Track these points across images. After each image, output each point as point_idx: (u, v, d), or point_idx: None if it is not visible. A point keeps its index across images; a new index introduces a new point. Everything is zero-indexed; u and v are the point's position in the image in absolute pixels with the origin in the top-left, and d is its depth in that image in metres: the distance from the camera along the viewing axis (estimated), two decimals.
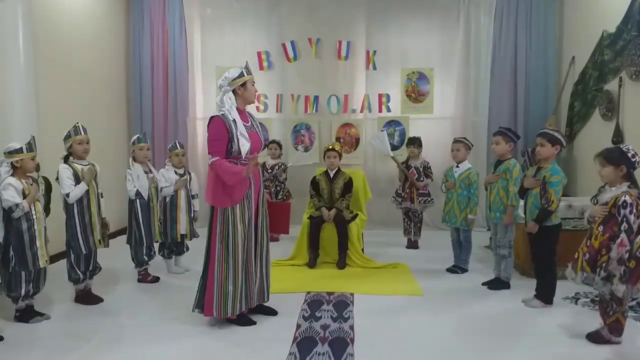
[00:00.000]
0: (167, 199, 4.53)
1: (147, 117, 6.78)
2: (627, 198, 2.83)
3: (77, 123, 3.77)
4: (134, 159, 4.29)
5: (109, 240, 3.95)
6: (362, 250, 5.02)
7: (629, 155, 2.89)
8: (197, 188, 4.88)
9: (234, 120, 3.25)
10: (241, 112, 3.37)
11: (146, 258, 4.32)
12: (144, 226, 4.24)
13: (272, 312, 3.56)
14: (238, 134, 3.24)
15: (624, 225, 2.81)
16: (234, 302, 3.27)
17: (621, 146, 2.98)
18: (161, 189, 4.44)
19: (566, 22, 6.45)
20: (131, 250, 4.32)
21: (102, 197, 3.87)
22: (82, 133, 3.73)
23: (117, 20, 6.59)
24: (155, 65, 6.74)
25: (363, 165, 6.58)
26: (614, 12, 5.10)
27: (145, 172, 4.29)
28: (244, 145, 3.25)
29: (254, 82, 3.44)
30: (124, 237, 4.43)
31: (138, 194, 4.21)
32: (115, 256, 4.58)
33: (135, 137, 4.39)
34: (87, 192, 3.70)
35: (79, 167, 3.70)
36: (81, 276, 3.76)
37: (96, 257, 3.90)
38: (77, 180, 3.65)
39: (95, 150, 3.85)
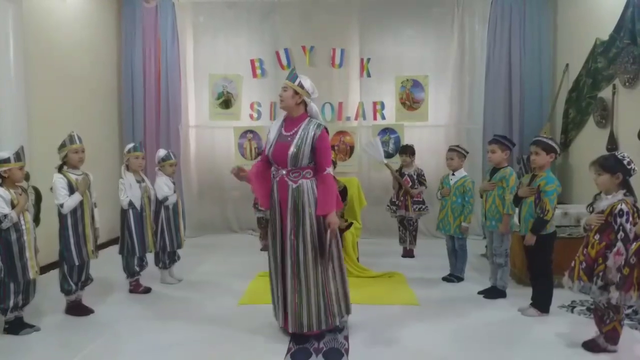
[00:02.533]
0: (170, 207, 4.49)
1: (139, 125, 6.74)
2: (624, 206, 2.82)
3: (72, 132, 3.73)
4: (127, 168, 4.25)
5: (98, 251, 3.90)
6: (357, 259, 4.98)
7: (625, 162, 2.88)
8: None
9: (279, 127, 3.25)
10: (288, 119, 3.26)
11: (138, 269, 4.26)
12: (137, 236, 4.19)
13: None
14: (270, 139, 3.26)
15: (621, 234, 2.80)
16: (275, 312, 3.34)
17: (616, 154, 2.98)
18: (166, 197, 4.42)
19: (560, 30, 6.48)
20: (123, 260, 4.26)
21: (95, 207, 3.83)
22: (78, 142, 3.69)
23: (109, 28, 6.56)
24: (148, 73, 6.71)
25: (358, 173, 6.55)
26: (607, 20, 5.13)
27: (138, 182, 4.25)
28: (268, 151, 3.26)
29: (283, 87, 3.23)
30: (116, 247, 4.37)
31: (131, 203, 4.16)
32: (106, 266, 4.52)
33: (130, 145, 4.35)
34: (81, 202, 3.65)
35: (73, 176, 3.65)
36: (73, 287, 3.71)
37: (88, 268, 3.84)
38: (72, 190, 3.61)
39: (87, 159, 3.81)
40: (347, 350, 3.08)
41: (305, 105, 3.22)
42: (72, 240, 3.62)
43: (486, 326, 3.51)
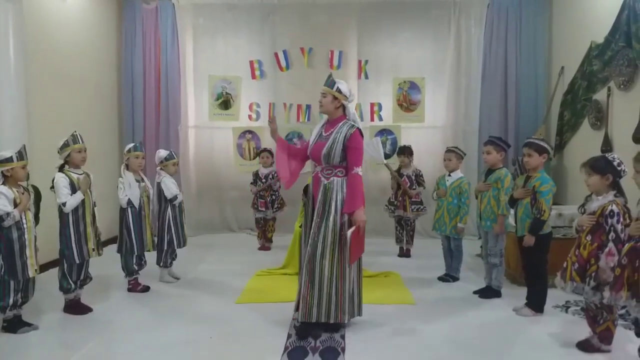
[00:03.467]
0: (177, 206, 4.55)
1: (138, 125, 6.77)
2: (614, 207, 2.85)
3: (75, 131, 3.77)
4: (127, 167, 4.28)
5: (102, 249, 3.93)
6: None
7: (615, 164, 2.91)
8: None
9: (320, 128, 3.47)
10: (329, 122, 3.43)
11: (136, 267, 4.29)
12: (135, 235, 4.22)
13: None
14: (312, 139, 3.47)
15: (612, 235, 2.83)
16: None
17: (607, 155, 3.01)
18: (176, 196, 4.49)
19: (555, 33, 6.53)
20: (121, 259, 4.29)
21: (95, 206, 3.86)
22: (81, 141, 3.74)
23: (110, 29, 6.60)
24: (148, 73, 6.75)
25: None
26: (602, 23, 5.17)
27: (137, 181, 4.29)
28: (309, 150, 3.46)
29: (322, 94, 3.38)
30: (114, 246, 4.40)
31: (129, 202, 4.19)
32: (105, 265, 4.54)
33: (130, 145, 4.39)
34: (82, 201, 3.68)
35: (75, 176, 3.69)
36: (73, 286, 3.73)
37: (88, 267, 3.87)
38: (74, 189, 3.64)
39: (87, 159, 3.84)
40: (343, 349, 3.11)
41: (344, 108, 3.39)
42: (73, 239, 3.65)
43: (481, 325, 3.55)
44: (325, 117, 3.50)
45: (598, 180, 2.93)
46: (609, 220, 2.84)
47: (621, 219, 2.83)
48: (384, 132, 6.73)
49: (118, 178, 4.27)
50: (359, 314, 3.48)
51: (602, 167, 2.93)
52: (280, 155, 3.59)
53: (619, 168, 2.91)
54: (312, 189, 3.41)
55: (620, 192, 2.92)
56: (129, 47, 6.75)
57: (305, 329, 3.30)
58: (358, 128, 3.33)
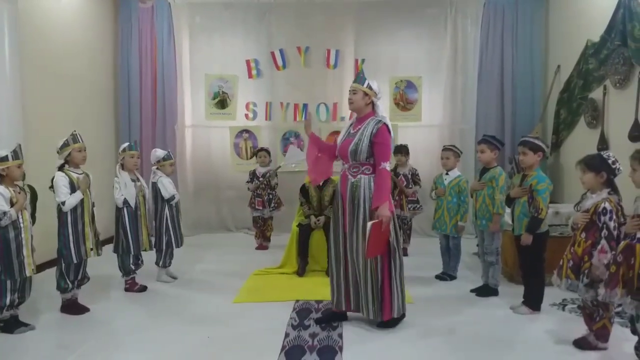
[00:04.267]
0: (174, 206, 4.55)
1: (135, 124, 6.76)
2: (607, 205, 2.87)
3: (75, 131, 3.78)
4: (122, 167, 4.27)
5: (101, 249, 3.93)
6: None
7: (610, 162, 2.92)
8: None
9: (349, 126, 3.48)
10: (358, 119, 3.43)
11: (133, 267, 4.29)
12: (131, 235, 4.22)
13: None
14: (341, 136, 3.49)
15: (604, 232, 2.85)
16: (332, 299, 3.51)
17: (602, 153, 3.03)
18: (173, 196, 4.50)
19: (551, 32, 6.55)
20: (118, 259, 4.28)
21: (94, 206, 3.86)
22: (81, 141, 3.75)
23: (106, 28, 6.58)
24: (144, 73, 6.73)
25: None
26: (598, 22, 5.19)
27: (133, 180, 4.28)
28: (337, 148, 3.46)
29: (352, 90, 3.39)
30: (111, 246, 4.39)
31: (125, 202, 4.19)
32: (102, 265, 4.53)
33: (125, 144, 4.38)
34: (81, 201, 3.68)
35: (74, 175, 3.69)
36: (70, 285, 3.73)
37: (86, 267, 3.86)
38: (73, 188, 3.64)
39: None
40: (341, 348, 3.11)
41: (373, 105, 3.38)
42: (71, 239, 3.64)
43: (478, 324, 3.55)
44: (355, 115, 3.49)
45: (592, 177, 2.94)
46: (602, 218, 2.86)
47: (614, 217, 2.84)
48: None
49: (114, 178, 4.26)
50: (400, 312, 3.41)
51: (596, 164, 2.94)
52: (310, 152, 3.62)
53: (613, 166, 2.92)
54: (340, 188, 3.41)
55: (614, 190, 2.93)
56: (125, 46, 6.73)
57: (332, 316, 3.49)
58: (385, 124, 3.29)
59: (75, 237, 3.66)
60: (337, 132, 6.74)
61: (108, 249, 4.53)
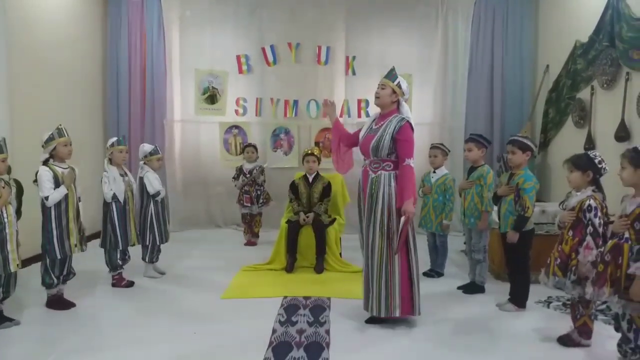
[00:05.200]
0: (159, 202, 4.51)
1: (123, 119, 6.69)
2: (592, 202, 2.91)
3: (60, 125, 3.73)
4: (110, 162, 4.24)
5: (86, 244, 3.90)
6: (340, 254, 5.03)
7: (596, 161, 2.97)
8: None
9: (371, 121, 3.51)
10: (381, 115, 3.46)
11: (120, 262, 4.26)
12: (120, 230, 4.20)
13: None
14: (363, 131, 3.51)
15: (590, 229, 2.89)
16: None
17: (589, 153, 3.07)
18: (158, 192, 4.46)
19: (541, 31, 6.59)
20: (105, 254, 4.25)
21: (80, 201, 3.82)
22: (66, 135, 3.71)
23: (94, 21, 6.50)
24: (133, 66, 6.66)
25: None
26: (587, 23, 5.23)
27: (121, 175, 4.25)
28: (359, 142, 3.50)
29: (381, 85, 3.43)
30: (97, 241, 4.36)
31: (114, 197, 4.16)
32: (88, 260, 4.50)
33: (114, 139, 4.34)
34: (66, 196, 3.64)
35: (59, 170, 3.64)
36: (55, 281, 3.70)
37: (71, 262, 3.83)
38: (57, 183, 3.60)
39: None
40: (328, 344, 3.12)
41: (398, 104, 3.40)
42: (55, 234, 3.60)
43: (465, 321, 3.58)
44: (377, 110, 3.51)
45: (579, 176, 2.99)
46: (587, 215, 2.90)
47: (599, 213, 2.89)
48: None
49: (102, 172, 4.23)
50: (414, 312, 3.39)
51: (583, 164, 2.99)
52: (334, 140, 3.68)
53: (599, 166, 2.97)
54: (362, 183, 3.45)
55: (599, 188, 2.98)
56: (114, 39, 6.66)
57: (372, 318, 3.45)
58: (408, 121, 3.32)
59: (59, 232, 3.62)
60: (327, 129, 6.78)
61: (95, 244, 4.51)
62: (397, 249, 3.27)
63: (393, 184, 3.30)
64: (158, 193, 4.46)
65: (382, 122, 3.38)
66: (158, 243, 4.52)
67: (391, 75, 3.43)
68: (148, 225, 4.45)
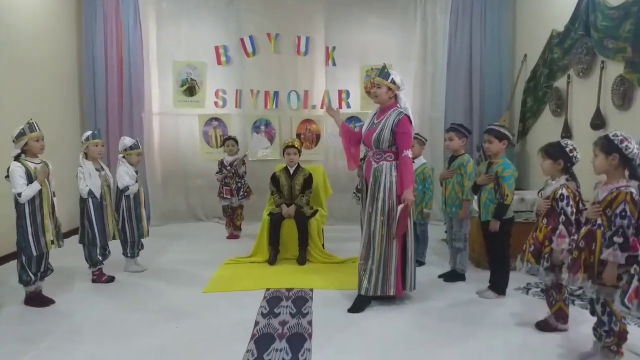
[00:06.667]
0: (132, 197, 4.44)
1: (101, 112, 6.58)
2: (564, 191, 2.97)
3: (31, 120, 3.64)
4: (86, 156, 4.17)
5: (63, 241, 3.83)
6: (323, 246, 5.04)
7: (567, 150, 3.03)
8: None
9: (373, 116, 3.73)
10: (381, 110, 3.67)
11: (100, 258, 4.21)
12: (98, 226, 4.14)
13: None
14: (365, 125, 3.75)
15: (562, 217, 2.95)
16: None
17: (561, 142, 3.12)
18: (127, 187, 4.37)
19: (519, 21, 6.64)
20: (84, 250, 4.20)
21: (54, 196, 3.75)
22: (38, 130, 3.63)
23: (70, 12, 6.35)
24: (110, 59, 6.54)
25: (324, 162, 6.60)
26: (563, 12, 5.29)
27: (97, 170, 4.19)
28: (363, 136, 3.73)
29: (377, 85, 3.63)
30: (76, 237, 4.30)
31: (91, 192, 4.10)
32: (68, 256, 4.45)
33: (89, 133, 4.27)
34: (40, 191, 3.57)
35: (32, 165, 3.57)
36: (32, 278, 3.64)
37: (48, 259, 3.77)
38: (30, 179, 3.52)
39: (47, 148, 3.73)
40: (310, 335, 3.13)
41: (396, 97, 3.64)
42: (30, 231, 3.54)
43: (446, 308, 3.63)
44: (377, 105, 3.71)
45: (551, 165, 3.06)
46: (560, 204, 2.96)
47: (571, 202, 2.94)
48: (352, 119, 6.73)
49: (78, 168, 4.16)
50: (412, 287, 3.71)
51: (555, 152, 3.05)
52: (345, 140, 3.88)
53: (571, 154, 3.02)
54: (365, 173, 3.71)
55: (572, 177, 3.04)
56: (89, 31, 6.52)
57: (360, 302, 3.59)
58: (407, 115, 3.55)
59: (35, 229, 3.55)
60: (309, 121, 6.77)
61: (74, 240, 4.45)
62: (395, 234, 3.52)
63: (394, 173, 3.56)
64: (127, 188, 4.39)
65: (382, 117, 3.61)
66: (130, 240, 4.46)
67: (384, 73, 3.63)
68: (121, 221, 4.41)
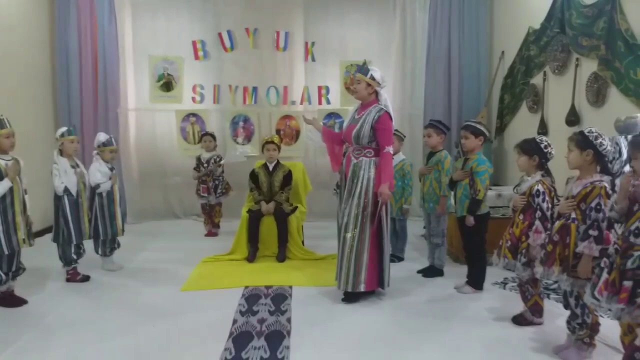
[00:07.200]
0: (104, 194, 4.35)
1: (75, 108, 6.44)
2: (540, 187, 3.01)
3: (1, 115, 3.54)
4: (61, 153, 4.07)
5: (34, 239, 3.74)
6: (302, 242, 5.03)
7: (542, 146, 3.07)
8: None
9: (354, 112, 3.75)
10: (362, 106, 3.69)
11: (75, 256, 4.12)
12: (73, 223, 4.05)
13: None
14: (346, 121, 3.80)
15: (538, 213, 2.99)
16: None
17: (536, 138, 3.16)
18: (98, 184, 4.28)
19: (496, 18, 6.71)
20: (58, 248, 4.11)
21: (26, 193, 3.65)
22: (8, 126, 3.53)
23: (41, 4, 6.18)
24: (84, 53, 6.40)
25: (304, 158, 6.57)
26: (539, 10, 5.36)
27: (73, 167, 4.10)
28: (343, 131, 3.78)
29: (356, 81, 3.66)
30: (50, 235, 4.20)
31: (66, 189, 4.01)
32: (41, 255, 4.35)
33: (63, 129, 4.17)
34: (11, 189, 3.46)
35: (2, 162, 3.47)
36: (3, 277, 3.53)
37: (19, 257, 3.67)
38: (0, 176, 3.42)
39: (19, 144, 3.63)
40: (289, 332, 3.12)
41: (377, 93, 3.64)
42: (0, 229, 3.43)
43: (425, 303, 3.66)
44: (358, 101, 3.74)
45: (526, 160, 3.10)
46: (536, 200, 3.00)
47: (547, 198, 2.99)
48: (331, 115, 6.73)
49: (52, 164, 4.06)
50: (382, 286, 3.70)
51: (530, 148, 3.09)
52: (327, 144, 3.92)
53: (545, 150, 3.06)
54: (344, 167, 3.73)
55: (547, 172, 3.08)
56: (62, 24, 6.35)
57: (349, 296, 3.63)
58: (387, 111, 3.58)
59: (6, 227, 3.45)
60: (288, 117, 6.73)
61: (46, 238, 4.35)
62: (371, 224, 3.54)
63: (373, 169, 3.58)
64: (98, 186, 4.30)
65: (363, 112, 3.63)
66: (102, 237, 4.37)
67: (363, 69, 3.65)
68: (93, 218, 4.32)
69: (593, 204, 2.51)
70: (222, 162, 5.82)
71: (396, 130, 4.82)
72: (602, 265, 2.30)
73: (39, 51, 6.16)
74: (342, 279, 3.58)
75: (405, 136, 4.93)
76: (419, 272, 4.34)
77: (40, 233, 5.14)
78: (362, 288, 3.57)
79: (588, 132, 2.61)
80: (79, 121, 6.33)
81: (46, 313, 3.47)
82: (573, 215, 2.61)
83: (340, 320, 3.34)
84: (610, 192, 2.50)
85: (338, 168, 3.89)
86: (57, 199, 4.04)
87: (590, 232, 2.49)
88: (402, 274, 4.30)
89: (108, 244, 4.45)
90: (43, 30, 6.24)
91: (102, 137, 4.46)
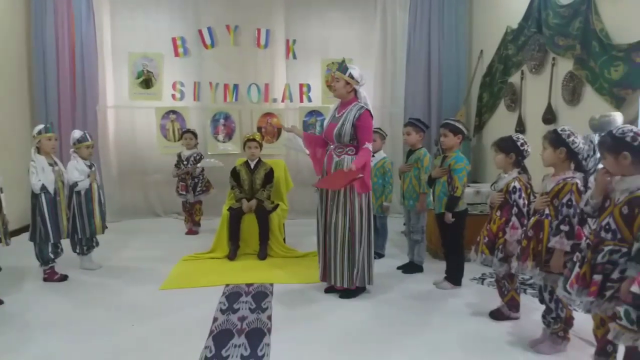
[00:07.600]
0: (82, 193, 4.29)
1: (52, 105, 6.34)
2: (516, 184, 3.07)
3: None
4: (38, 151, 4.01)
5: (10, 239, 3.68)
6: (284, 240, 5.03)
7: (519, 144, 3.13)
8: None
9: (334, 110, 3.76)
10: (342, 104, 3.71)
11: (52, 256, 4.07)
12: (50, 222, 3.99)
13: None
14: (327, 120, 3.83)
15: (514, 209, 3.05)
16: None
17: (513, 136, 3.22)
18: (76, 182, 4.22)
19: (475, 18, 6.79)
20: (35, 247, 4.04)
21: (1, 192, 3.59)
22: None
23: (16, 1, 6.06)
24: (61, 50, 6.30)
25: (285, 156, 6.57)
26: (517, 9, 5.44)
27: (50, 165, 4.04)
28: (324, 130, 3.80)
29: (335, 79, 3.67)
30: (26, 235, 4.13)
31: (43, 187, 3.95)
32: (17, 255, 4.28)
33: (41, 126, 4.11)
34: None
35: None
36: None
37: None
38: None
39: None
40: (269, 330, 3.13)
41: (356, 92, 3.66)
42: None
43: (404, 299, 3.70)
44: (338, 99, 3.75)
45: (503, 158, 3.15)
46: (512, 196, 3.06)
47: (523, 194, 3.05)
48: (313, 113, 6.74)
49: (30, 162, 4.00)
50: (370, 282, 3.71)
51: (507, 146, 3.14)
52: (309, 148, 3.91)
53: (521, 148, 3.12)
54: (326, 166, 3.72)
55: (523, 169, 3.14)
56: (38, 20, 6.24)
57: (348, 293, 3.68)
58: (367, 109, 3.60)
59: None
60: (269, 114, 6.72)
61: (23, 237, 4.28)
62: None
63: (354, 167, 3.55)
64: (76, 184, 4.24)
65: (343, 111, 3.65)
66: (79, 236, 4.32)
67: (342, 67, 3.65)
68: (71, 216, 4.26)
69: (565, 200, 2.57)
70: (198, 164, 5.76)
71: (378, 128, 4.88)
72: (575, 259, 2.35)
73: (14, 48, 6.04)
74: (337, 276, 3.62)
75: (386, 134, 4.96)
76: (398, 268, 4.38)
77: (16, 232, 5.06)
78: (360, 283, 3.65)
79: (561, 131, 2.68)
80: (56, 119, 6.23)
81: (23, 313, 3.42)
82: (547, 211, 2.67)
83: (321, 317, 3.36)
84: (582, 188, 2.56)
85: (320, 173, 3.88)
86: (34, 197, 3.98)
87: (562, 227, 2.56)
88: (382, 271, 4.33)
89: (85, 242, 4.39)
90: (18, 28, 6.12)
91: (76, 134, 4.40)
